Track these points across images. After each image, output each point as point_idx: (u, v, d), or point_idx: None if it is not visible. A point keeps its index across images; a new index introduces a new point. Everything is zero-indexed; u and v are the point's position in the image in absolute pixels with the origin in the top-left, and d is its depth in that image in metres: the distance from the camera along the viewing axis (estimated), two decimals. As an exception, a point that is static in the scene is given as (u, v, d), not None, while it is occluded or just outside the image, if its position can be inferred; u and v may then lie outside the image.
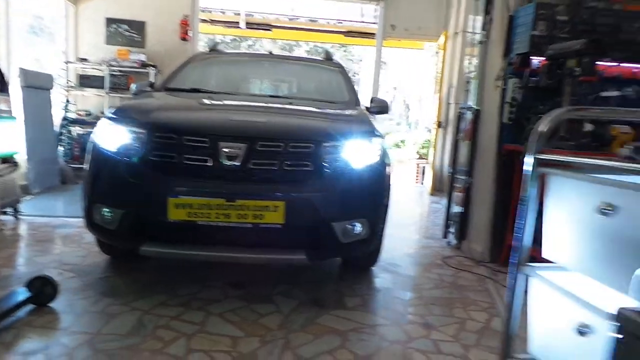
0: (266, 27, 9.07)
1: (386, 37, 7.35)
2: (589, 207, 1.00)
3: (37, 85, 4.91)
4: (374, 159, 2.53)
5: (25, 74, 4.71)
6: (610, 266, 0.93)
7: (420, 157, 9.90)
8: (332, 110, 2.90)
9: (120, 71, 6.17)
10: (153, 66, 6.22)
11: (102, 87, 6.07)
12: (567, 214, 1.11)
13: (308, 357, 1.93)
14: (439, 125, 6.74)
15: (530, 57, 3.12)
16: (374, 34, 8.47)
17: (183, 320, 2.20)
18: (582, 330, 0.94)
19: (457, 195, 3.92)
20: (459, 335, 2.21)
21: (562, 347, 1.03)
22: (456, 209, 3.88)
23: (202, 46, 7.45)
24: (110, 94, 6.13)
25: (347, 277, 2.94)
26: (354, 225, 2.43)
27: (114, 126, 2.42)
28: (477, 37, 3.71)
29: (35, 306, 2.19)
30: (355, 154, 2.44)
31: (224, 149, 2.24)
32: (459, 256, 3.53)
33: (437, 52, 7.80)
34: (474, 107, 3.62)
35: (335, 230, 2.35)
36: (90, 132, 6.22)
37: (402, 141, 14.91)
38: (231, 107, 2.86)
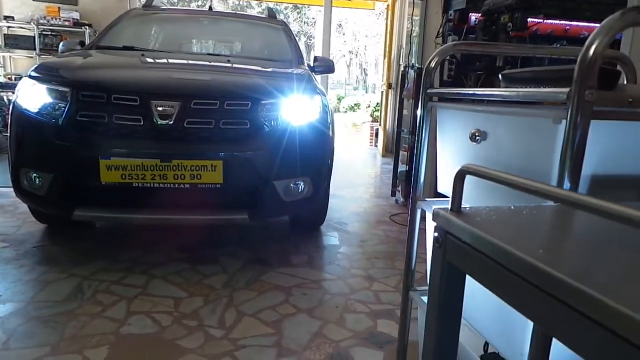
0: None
1: (334, -5, 7.22)
2: (465, 136, 1.06)
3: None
4: (315, 116, 2.52)
5: (-60, 32, 4.30)
6: (480, 190, 0.99)
7: (374, 120, 10.01)
8: (271, 68, 2.85)
9: (51, 30, 5.76)
10: (88, 25, 5.84)
11: (32, 48, 5.66)
12: (450, 145, 1.17)
13: (251, 313, 1.95)
14: (389, 86, 6.78)
15: (469, 14, 3.16)
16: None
17: (124, 284, 2.16)
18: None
19: (403, 154, 4.01)
20: (399, 285, 2.30)
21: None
22: (403, 167, 3.97)
23: (141, 3, 7.04)
24: (42, 56, 5.73)
25: (294, 236, 2.97)
26: (297, 184, 2.43)
27: (36, 85, 2.27)
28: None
29: (-38, 277, 2.09)
30: (295, 112, 2.42)
31: (157, 108, 2.16)
32: (405, 213, 3.63)
33: (382, 13, 7.76)
34: (417, 65, 3.65)
35: (277, 188, 2.35)
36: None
37: (357, 104, 14.97)
38: (165, 65, 2.74)
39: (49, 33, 5.73)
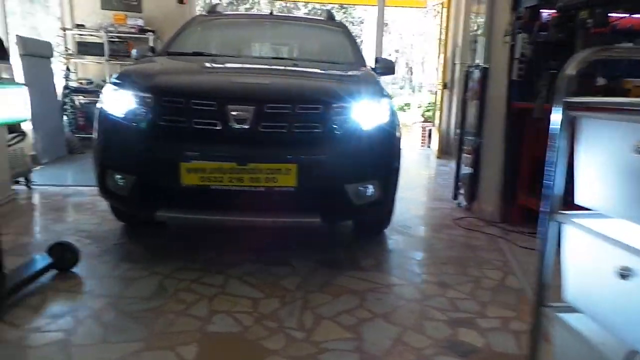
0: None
1: (388, -5, 7.14)
2: (626, 148, 0.99)
3: (37, 54, 4.82)
4: (384, 119, 2.50)
5: (23, 41, 4.62)
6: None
7: (425, 120, 9.82)
8: (339, 71, 2.85)
9: (118, 37, 6.04)
10: (151, 31, 6.09)
11: (101, 55, 5.96)
12: (601, 157, 1.10)
13: (328, 316, 1.97)
14: (445, 86, 6.65)
15: (540, 10, 3.04)
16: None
17: (203, 283, 2.23)
18: (624, 274, 0.95)
19: (466, 156, 3.91)
20: (475, 292, 2.25)
21: (602, 292, 1.04)
22: (465, 170, 3.88)
23: (199, 9, 7.27)
24: (110, 61, 6.04)
25: (359, 239, 2.97)
26: (366, 187, 2.42)
27: (120, 92, 2.38)
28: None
29: (58, 272, 2.23)
30: (364, 115, 2.41)
31: (233, 112, 2.21)
32: (470, 217, 3.55)
33: (438, 12, 7.61)
34: (482, 65, 3.55)
35: (348, 192, 2.35)
36: (93, 101, 6.18)
37: (407, 104, 14.76)
38: (237, 70, 2.80)
39: (116, 40, 6.02)
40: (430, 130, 7.91)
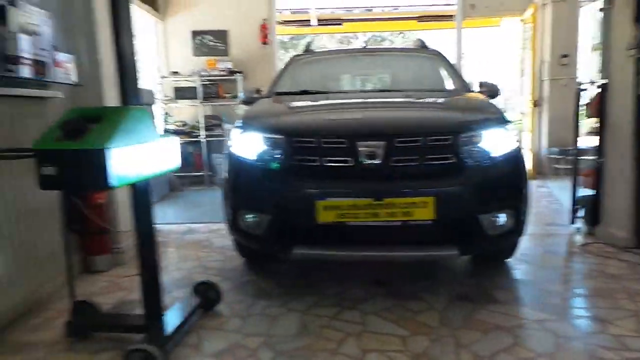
0: (337, 21, 9.05)
1: (465, 17, 7.05)
2: None
3: (144, 101, 5.21)
4: (512, 145, 2.42)
5: (134, 92, 5.02)
6: None
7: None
8: (456, 100, 2.81)
9: (209, 81, 6.41)
10: (239, 72, 6.40)
11: (195, 98, 6.34)
12: None
13: (486, 355, 1.87)
14: (535, 104, 6.37)
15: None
16: (449, 16, 8.20)
17: (342, 319, 2.22)
18: None
19: (583, 177, 3.68)
20: (640, 328, 2.06)
21: None
22: (583, 192, 3.64)
23: (281, 49, 7.57)
24: (203, 104, 6.40)
25: (482, 270, 2.84)
26: (500, 217, 2.34)
27: (249, 134, 2.48)
28: (597, 4, 3.44)
29: (202, 309, 2.32)
30: (493, 143, 2.35)
31: (363, 148, 2.23)
32: (596, 243, 3.30)
33: (510, 29, 7.39)
34: (598, 81, 3.36)
35: (483, 222, 2.27)
36: (188, 142, 6.52)
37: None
38: (357, 105, 2.84)
39: (207, 83, 6.39)
40: (517, 150, 7.58)
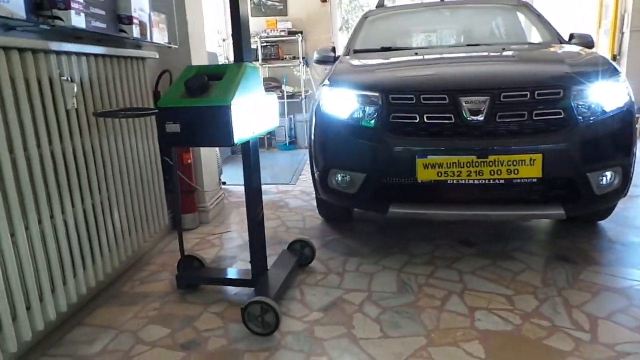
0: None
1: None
2: None
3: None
4: (624, 99, 2.27)
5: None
6: None
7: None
8: (561, 51, 2.63)
9: (268, 42, 6.36)
10: (299, 32, 6.31)
11: (255, 60, 6.32)
12: None
13: (603, 316, 1.82)
14: (614, 58, 5.94)
15: None
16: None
17: (440, 278, 2.22)
18: None
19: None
20: None
21: None
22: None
23: (341, 7, 7.37)
24: (263, 65, 6.39)
25: (577, 231, 2.74)
26: (607, 175, 2.22)
27: (341, 91, 2.44)
28: None
29: (298, 267, 2.38)
30: (605, 97, 2.21)
31: (466, 104, 2.15)
32: (697, 203, 3.11)
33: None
34: None
35: (591, 181, 2.17)
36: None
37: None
38: (458, 60, 2.71)
39: (267, 44, 6.35)
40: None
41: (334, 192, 2.51)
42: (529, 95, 2.14)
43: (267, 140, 6.53)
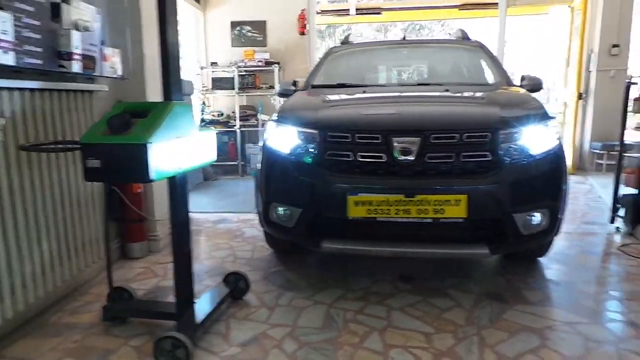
0: (376, 10, 8.93)
1: (510, 4, 6.80)
2: None
3: (184, 92, 5.35)
4: (553, 143, 2.36)
5: (173, 83, 5.16)
6: None
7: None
8: (497, 94, 2.74)
9: (246, 71, 6.50)
10: (276, 63, 6.46)
11: (232, 88, 6.45)
12: None
13: (511, 356, 1.85)
14: (580, 97, 6.11)
15: None
16: (492, 4, 7.92)
17: (367, 314, 2.25)
18: None
19: (627, 175, 3.52)
20: (678, 336, 1.98)
21: None
22: (625, 190, 3.49)
23: (319, 38, 7.56)
24: (239, 94, 6.51)
25: (514, 269, 2.79)
26: (535, 216, 2.29)
27: (284, 128, 2.52)
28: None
29: (231, 299, 2.40)
30: (533, 140, 2.29)
31: (397, 144, 2.23)
32: (635, 243, 3.17)
33: (556, 18, 7.05)
34: (648, 74, 3.19)
35: (517, 222, 2.23)
36: (223, 131, 6.67)
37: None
38: (393, 100, 2.82)
39: (245, 73, 6.49)
40: (559, 144, 7.31)
41: (275, 225, 2.56)
42: (457, 138, 2.22)
43: (242, 168, 6.59)
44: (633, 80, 3.39)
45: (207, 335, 2.06)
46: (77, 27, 2.23)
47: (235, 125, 6.54)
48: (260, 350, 1.93)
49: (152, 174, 1.69)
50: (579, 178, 5.92)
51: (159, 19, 1.87)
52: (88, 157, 1.72)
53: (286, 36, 6.65)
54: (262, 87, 6.53)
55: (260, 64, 6.39)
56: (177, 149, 1.84)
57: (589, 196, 4.88)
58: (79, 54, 2.22)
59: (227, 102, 6.80)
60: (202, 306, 2.12)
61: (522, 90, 2.93)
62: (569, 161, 6.36)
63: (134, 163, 1.68)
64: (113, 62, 2.70)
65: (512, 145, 2.24)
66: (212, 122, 6.62)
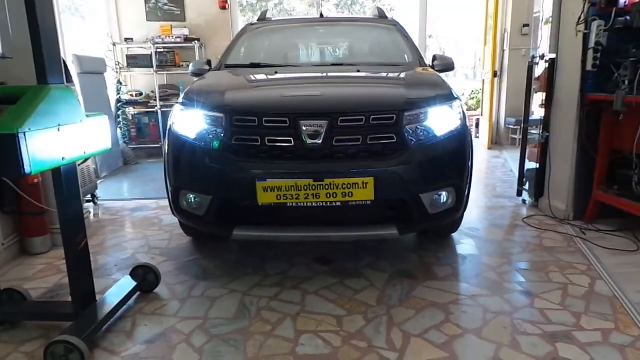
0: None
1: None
2: None
3: (92, 70, 4.97)
4: (457, 123, 2.42)
5: (79, 59, 4.77)
6: None
7: (469, 108, 9.54)
8: (405, 75, 2.76)
9: (164, 48, 6.14)
10: (196, 39, 6.15)
11: (150, 66, 6.08)
12: None
13: (416, 333, 1.92)
14: (494, 74, 6.40)
15: (617, -5, 2.84)
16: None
17: (282, 300, 2.23)
18: None
19: (531, 150, 3.75)
20: (565, 302, 2.14)
21: None
22: (530, 164, 3.72)
23: (240, 13, 7.28)
24: (158, 72, 6.15)
25: (427, 245, 2.89)
26: (441, 195, 2.36)
27: (190, 111, 2.39)
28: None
29: (140, 292, 2.29)
30: (438, 121, 2.34)
31: (305, 128, 2.18)
32: (539, 215, 3.41)
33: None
34: (548, 55, 3.38)
35: (424, 201, 2.29)
36: (143, 112, 6.33)
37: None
38: (303, 81, 2.76)
39: (162, 50, 6.12)
40: (477, 120, 7.68)
41: (185, 213, 2.45)
42: (364, 120, 2.21)
43: (165, 149, 6.28)
44: (535, 61, 3.57)
45: (109, 334, 1.94)
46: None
47: (155, 105, 6.19)
48: (165, 346, 1.86)
49: (27, 167, 1.53)
50: (494, 152, 6.25)
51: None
52: (-51, 150, 1.52)
53: (206, 10, 6.33)
54: (182, 65, 6.20)
55: (178, 40, 6.06)
56: (58, 138, 1.67)
57: (502, 170, 5.17)
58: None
59: (145, 80, 6.41)
60: (104, 303, 2.00)
61: (431, 71, 2.99)
62: (485, 136, 6.71)
63: (4, 155, 1.50)
64: (-9, 39, 2.41)
65: (417, 127, 2.27)
66: (130, 102, 6.24)
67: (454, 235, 3.05)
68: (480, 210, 3.62)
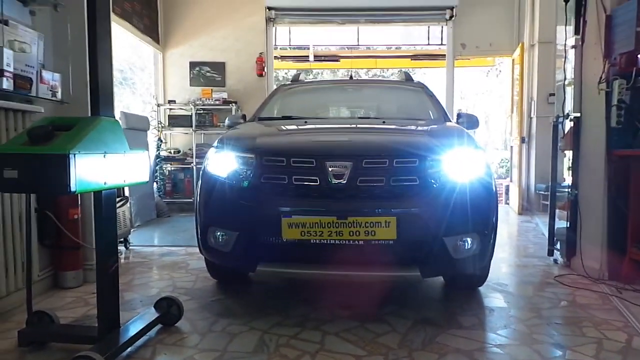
0: (333, 58, 9.32)
1: (456, 57, 7.25)
2: None
3: (137, 127, 5.33)
4: (480, 171, 2.47)
5: (126, 116, 5.15)
6: None
7: (499, 177, 9.52)
8: (429, 127, 2.88)
9: (204, 109, 6.56)
10: (234, 102, 6.56)
11: (189, 126, 6.46)
12: None
13: (439, 375, 1.85)
14: (522, 141, 6.46)
15: (637, 55, 2.94)
16: (441, 55, 8.43)
17: (302, 339, 2.20)
18: None
19: (560, 210, 3.70)
20: (600, 355, 2.03)
21: None
22: (560, 224, 3.65)
23: (276, 81, 7.77)
24: (197, 132, 6.52)
25: (454, 296, 2.82)
26: (465, 241, 2.36)
27: (223, 153, 2.54)
28: (569, 42, 3.57)
29: (163, 326, 2.31)
30: (460, 167, 2.40)
31: (331, 168, 2.28)
32: (572, 274, 3.29)
33: (501, 70, 7.58)
34: (573, 114, 3.44)
35: (447, 245, 2.29)
36: (180, 169, 6.62)
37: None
38: (332, 130, 2.91)
39: (202, 112, 6.54)
40: (507, 187, 7.63)
41: (212, 250, 2.52)
42: (387, 163, 2.29)
43: (197, 205, 6.49)
44: (560, 120, 3.63)
45: (129, 361, 1.96)
46: (12, 47, 2.23)
47: (191, 163, 6.50)
48: (184, 374, 1.85)
49: (73, 186, 1.66)
50: (525, 217, 6.14)
51: (88, 35, 1.90)
52: (5, 168, 1.68)
53: (245, 77, 6.80)
54: (219, 125, 6.57)
55: (217, 102, 6.48)
56: (103, 163, 1.82)
57: (533, 233, 5.06)
58: (9, 72, 2.21)
59: (184, 139, 6.79)
60: (127, 330, 2.03)
61: (456, 125, 3.09)
62: (515, 201, 6.63)
63: (54, 174, 1.65)
64: (52, 86, 2.69)
65: (440, 171, 2.33)
66: (169, 159, 6.58)
67: (481, 289, 2.97)
68: (510, 269, 3.53)
